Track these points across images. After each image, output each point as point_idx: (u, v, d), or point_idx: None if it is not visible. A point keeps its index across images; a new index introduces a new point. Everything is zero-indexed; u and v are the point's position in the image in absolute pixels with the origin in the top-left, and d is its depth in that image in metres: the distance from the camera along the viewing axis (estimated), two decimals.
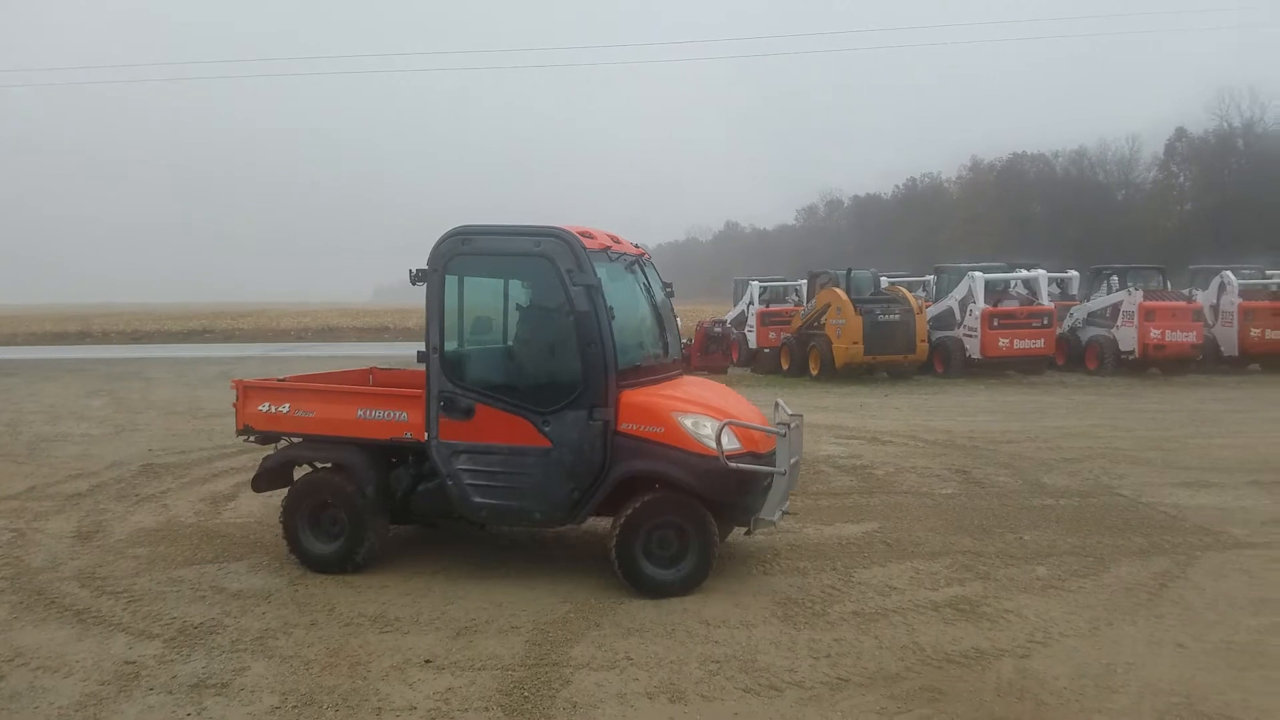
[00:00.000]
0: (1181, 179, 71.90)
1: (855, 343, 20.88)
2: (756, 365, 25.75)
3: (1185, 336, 21.71)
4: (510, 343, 6.84)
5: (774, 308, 27.28)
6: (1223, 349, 22.88)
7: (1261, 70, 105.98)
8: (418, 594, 6.20)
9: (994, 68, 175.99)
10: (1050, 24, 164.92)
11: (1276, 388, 19.96)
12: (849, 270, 23.29)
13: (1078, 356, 23.51)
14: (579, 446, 6.16)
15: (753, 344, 26.78)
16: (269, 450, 7.25)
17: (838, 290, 21.89)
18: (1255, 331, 22.53)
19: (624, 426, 6.18)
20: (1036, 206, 79.19)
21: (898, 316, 21.32)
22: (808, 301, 24.24)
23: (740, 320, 28.21)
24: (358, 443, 6.71)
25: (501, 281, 7.00)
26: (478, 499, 6.35)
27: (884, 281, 24.69)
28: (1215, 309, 23.19)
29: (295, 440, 7.09)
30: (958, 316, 22.77)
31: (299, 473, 7.08)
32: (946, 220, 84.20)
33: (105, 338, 46.63)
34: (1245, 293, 23.00)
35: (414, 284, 6.62)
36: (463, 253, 6.48)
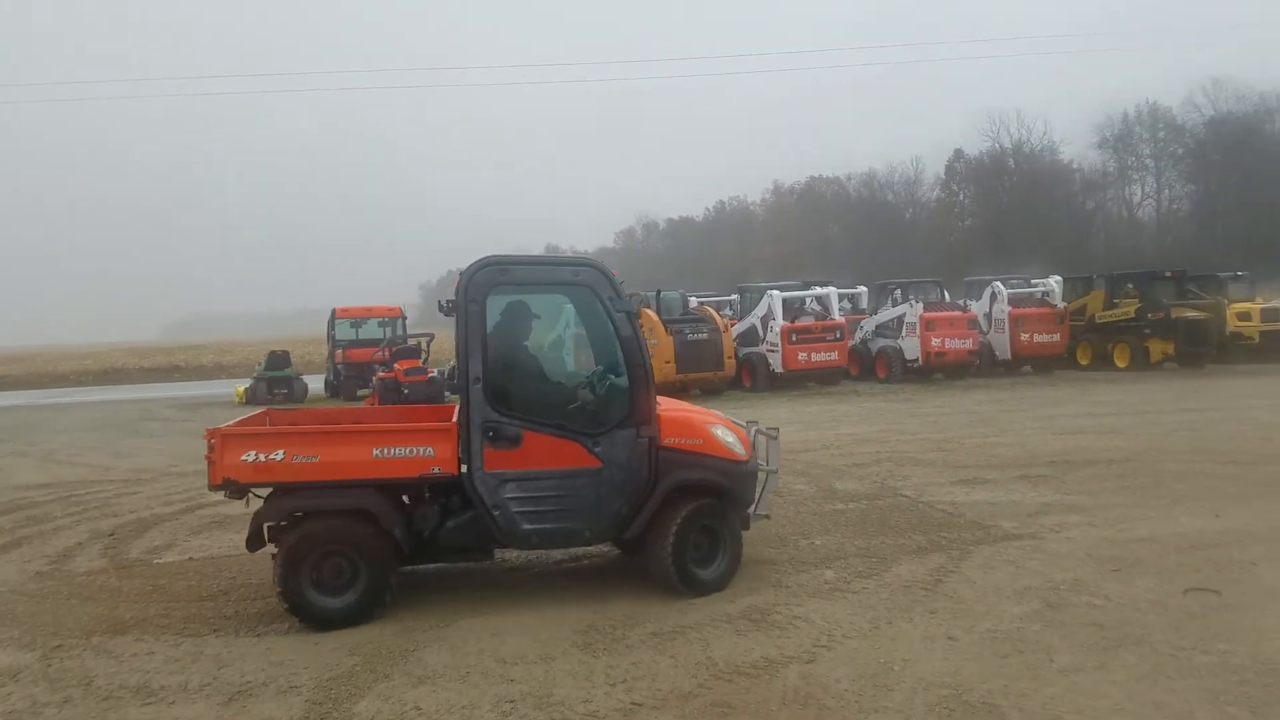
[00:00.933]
0: (961, 197, 78.11)
1: (667, 362, 21.31)
2: None
3: (963, 344, 23.51)
4: (556, 368, 6.94)
5: None
6: (997, 354, 24.91)
7: (1026, 94, 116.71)
8: (188, 659, 5.73)
9: (793, 96, 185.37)
10: (841, 54, 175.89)
11: (1045, 387, 21.85)
12: (659, 292, 23.82)
13: (869, 366, 25.03)
14: (629, 463, 6.47)
15: None
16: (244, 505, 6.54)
17: (649, 311, 22.31)
18: (1025, 336, 24.65)
19: (667, 441, 6.60)
20: (834, 226, 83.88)
21: (706, 335, 21.95)
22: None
23: None
24: (375, 484, 6.32)
25: (541, 309, 6.96)
26: (527, 526, 6.38)
27: (693, 301, 25.39)
28: (989, 317, 25.21)
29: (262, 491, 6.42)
30: (760, 333, 23.67)
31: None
32: (754, 241, 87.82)
33: None
34: (1014, 301, 25.11)
35: (445, 314, 6.64)
36: (501, 283, 6.50)
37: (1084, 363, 25.77)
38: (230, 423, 6.67)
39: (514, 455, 6.34)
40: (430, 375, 24.21)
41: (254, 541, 6.41)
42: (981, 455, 12.03)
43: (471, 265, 6.46)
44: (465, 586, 7.07)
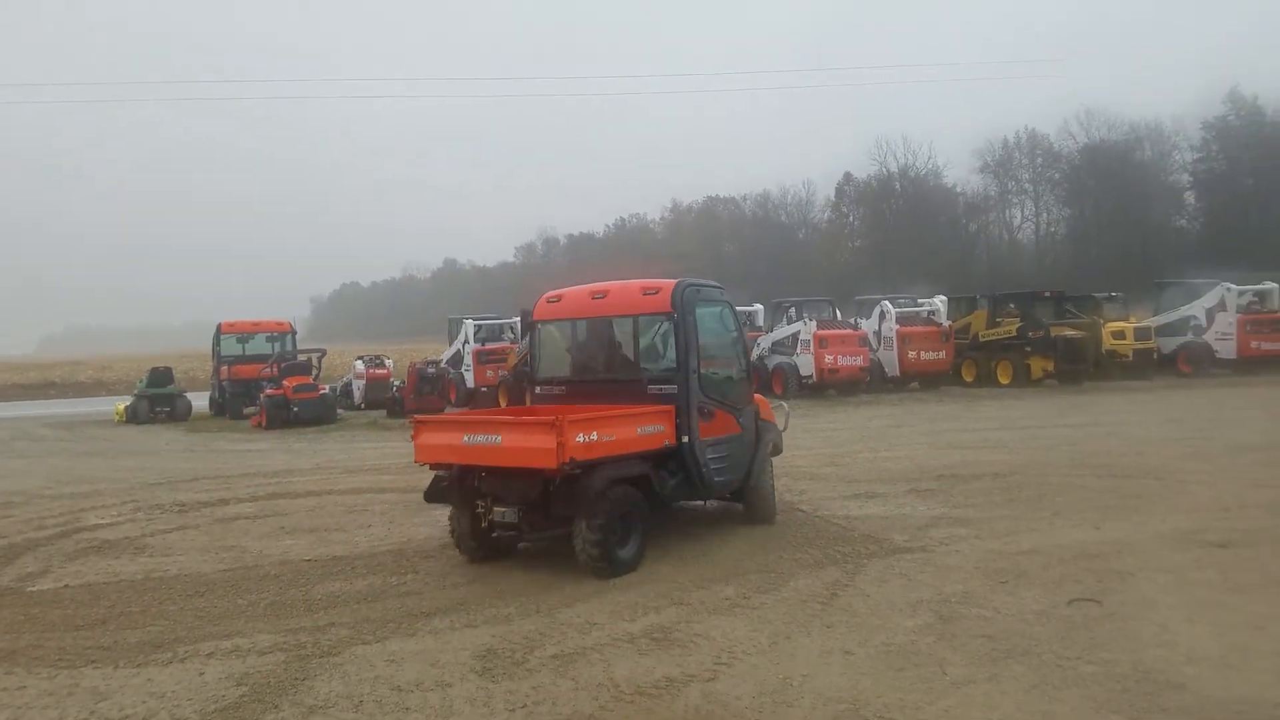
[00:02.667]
0: (851, 218, 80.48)
1: None
2: (475, 404, 25.48)
3: (854, 361, 24.17)
4: (725, 362, 9.20)
5: (490, 346, 27.14)
6: (887, 370, 25.67)
7: (910, 121, 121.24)
8: (63, 692, 5.38)
9: (693, 117, 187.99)
10: (738, 78, 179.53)
11: (933, 403, 22.60)
12: None
13: (766, 383, 25.45)
14: (751, 429, 9.11)
15: (471, 383, 26.47)
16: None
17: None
18: (913, 354, 25.50)
19: (762, 413, 9.41)
20: (730, 245, 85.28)
21: None
22: (522, 339, 24.39)
23: (456, 359, 27.82)
24: (641, 456, 7.93)
25: (717, 319, 9.24)
26: (717, 479, 8.60)
27: None
28: (878, 335, 25.99)
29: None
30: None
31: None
32: (654, 258, 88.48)
33: None
34: (902, 319, 25.96)
35: (524, 323, 8.99)
36: (700, 300, 8.77)
37: (969, 379, 26.76)
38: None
39: (710, 427, 8.52)
40: (322, 392, 23.56)
41: (599, 504, 7.40)
42: (873, 470, 12.35)
43: (679, 285, 8.60)
44: (358, 608, 6.85)
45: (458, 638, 6.17)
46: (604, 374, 9.26)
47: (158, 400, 26.34)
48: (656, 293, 8.68)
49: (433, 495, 8.28)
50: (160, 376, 27.10)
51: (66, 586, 7.89)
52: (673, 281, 8.70)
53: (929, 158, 75.43)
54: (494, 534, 8.03)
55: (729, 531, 9.00)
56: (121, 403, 27.90)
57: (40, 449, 19.96)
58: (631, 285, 9.10)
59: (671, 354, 8.57)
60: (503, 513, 7.82)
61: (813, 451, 14.26)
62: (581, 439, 7.25)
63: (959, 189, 75.39)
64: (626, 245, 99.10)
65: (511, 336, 27.67)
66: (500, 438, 7.58)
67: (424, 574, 7.87)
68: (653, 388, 8.56)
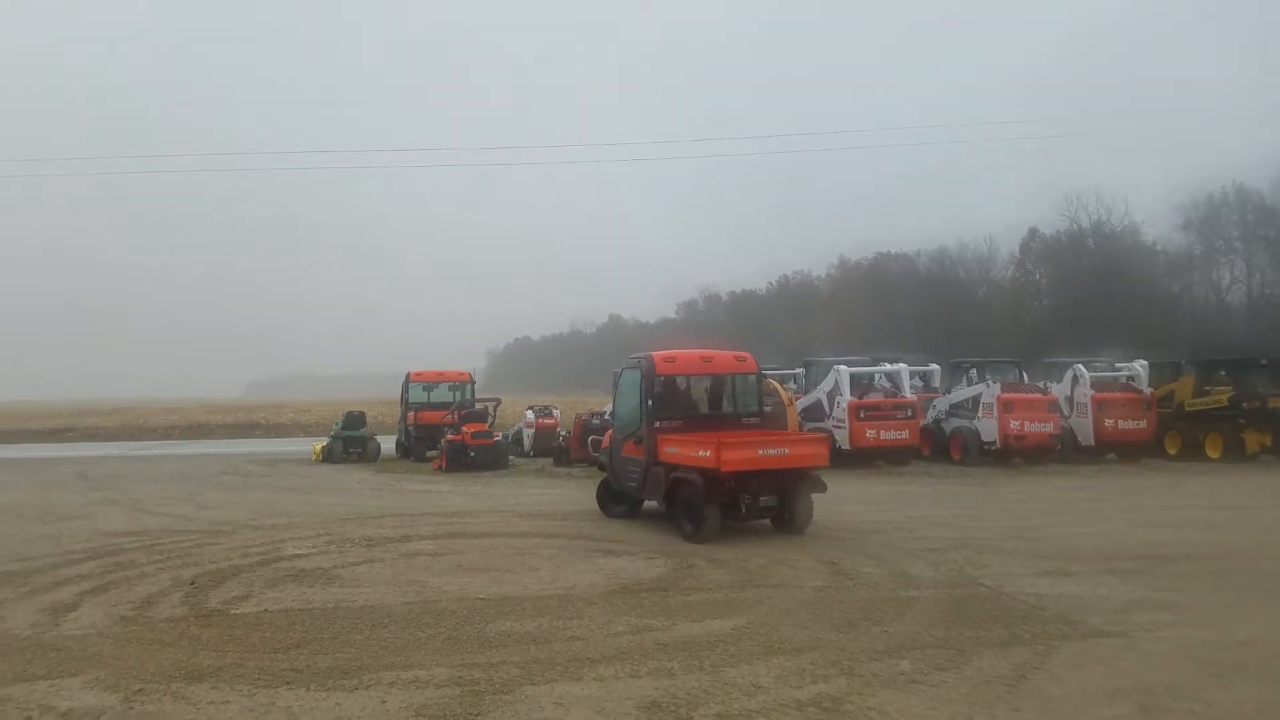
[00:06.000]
0: (1037, 276, 76.53)
1: None
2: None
3: (1043, 427, 22.69)
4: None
5: None
6: (1080, 439, 23.93)
7: (1104, 174, 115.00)
8: (261, 710, 5.74)
9: (860, 173, 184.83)
10: (907, 133, 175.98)
11: (1132, 477, 20.89)
12: None
13: (942, 447, 24.30)
14: None
15: None
16: None
17: None
18: (1109, 422, 23.65)
19: None
20: (903, 302, 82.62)
21: (769, 409, 21.63)
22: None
23: None
24: None
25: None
26: None
27: None
28: (1070, 400, 24.36)
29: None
30: (826, 408, 23.26)
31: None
32: (818, 315, 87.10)
33: None
34: (1097, 384, 24.25)
35: (648, 374, 13.13)
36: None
37: (1172, 452, 24.63)
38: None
39: None
40: (497, 438, 24.42)
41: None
42: (1065, 546, 11.51)
43: (752, 356, 13.74)
44: (527, 648, 6.97)
45: (622, 687, 6.18)
46: (711, 412, 13.55)
47: (351, 442, 27.97)
48: (745, 360, 13.61)
49: (713, 494, 11.56)
50: (354, 420, 28.82)
51: (266, 611, 8.44)
52: (748, 354, 13.81)
53: (1124, 213, 71.15)
54: (762, 517, 12.24)
55: (905, 603, 8.60)
56: (318, 443, 29.82)
57: (246, 483, 21.55)
58: (726, 353, 13.79)
59: (753, 399, 13.61)
60: (767, 499, 11.88)
61: (996, 523, 13.48)
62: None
63: (1159, 247, 70.55)
64: (789, 302, 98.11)
65: None
66: (788, 450, 11.89)
67: (588, 620, 7.94)
68: (744, 420, 13.27)
